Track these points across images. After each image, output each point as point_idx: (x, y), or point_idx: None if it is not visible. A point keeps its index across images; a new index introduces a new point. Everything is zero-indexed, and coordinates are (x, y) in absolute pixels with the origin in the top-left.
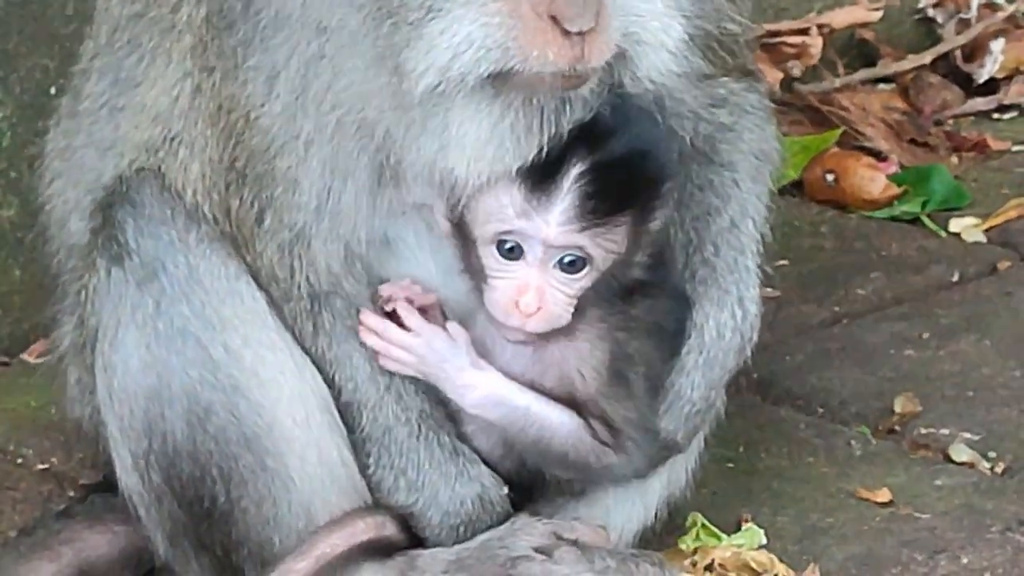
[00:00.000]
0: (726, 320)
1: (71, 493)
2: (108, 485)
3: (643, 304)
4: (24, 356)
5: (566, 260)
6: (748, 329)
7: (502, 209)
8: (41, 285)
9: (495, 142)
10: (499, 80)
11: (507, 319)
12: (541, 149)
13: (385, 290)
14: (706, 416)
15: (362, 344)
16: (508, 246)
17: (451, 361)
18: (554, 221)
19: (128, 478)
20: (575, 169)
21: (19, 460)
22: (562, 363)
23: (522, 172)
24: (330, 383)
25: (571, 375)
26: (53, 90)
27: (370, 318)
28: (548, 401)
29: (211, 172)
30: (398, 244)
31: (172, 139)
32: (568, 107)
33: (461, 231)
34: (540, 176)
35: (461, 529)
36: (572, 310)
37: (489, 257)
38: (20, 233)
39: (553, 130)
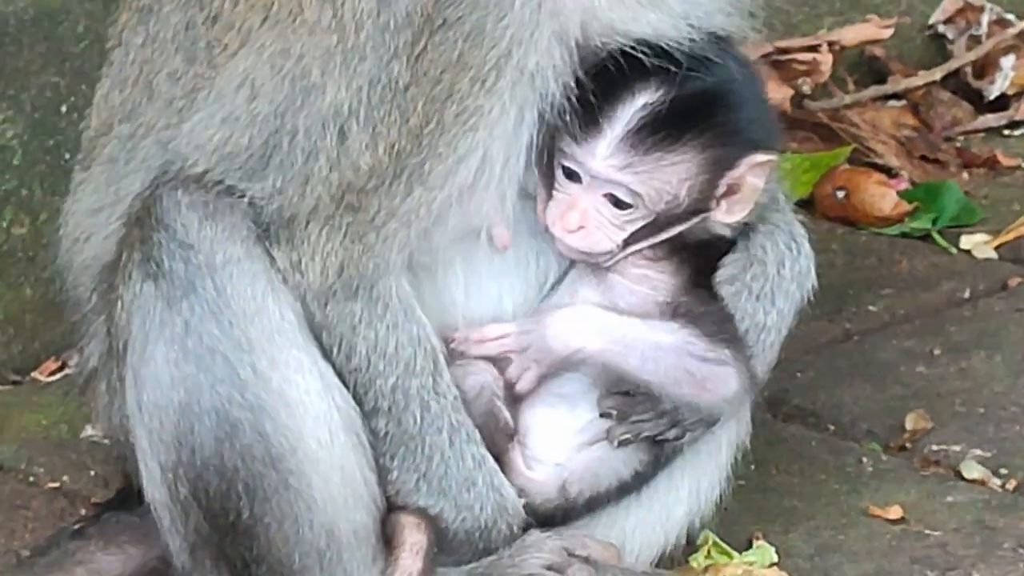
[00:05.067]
0: (783, 250)
1: (83, 511)
2: (121, 503)
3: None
4: (35, 374)
5: (614, 194)
6: (804, 263)
7: (566, 124)
8: (52, 303)
9: None
10: None
11: (553, 228)
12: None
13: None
14: (777, 350)
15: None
16: (567, 170)
17: (539, 321)
18: (599, 154)
19: (156, 490)
20: (629, 103)
21: (31, 479)
22: (646, 286)
23: (583, 98)
24: (357, 391)
25: (658, 294)
26: (64, 108)
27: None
28: (645, 321)
29: (371, 157)
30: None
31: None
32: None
33: (548, 145)
34: (597, 104)
35: (476, 535)
36: (618, 242)
37: (558, 171)
38: (32, 251)
39: None
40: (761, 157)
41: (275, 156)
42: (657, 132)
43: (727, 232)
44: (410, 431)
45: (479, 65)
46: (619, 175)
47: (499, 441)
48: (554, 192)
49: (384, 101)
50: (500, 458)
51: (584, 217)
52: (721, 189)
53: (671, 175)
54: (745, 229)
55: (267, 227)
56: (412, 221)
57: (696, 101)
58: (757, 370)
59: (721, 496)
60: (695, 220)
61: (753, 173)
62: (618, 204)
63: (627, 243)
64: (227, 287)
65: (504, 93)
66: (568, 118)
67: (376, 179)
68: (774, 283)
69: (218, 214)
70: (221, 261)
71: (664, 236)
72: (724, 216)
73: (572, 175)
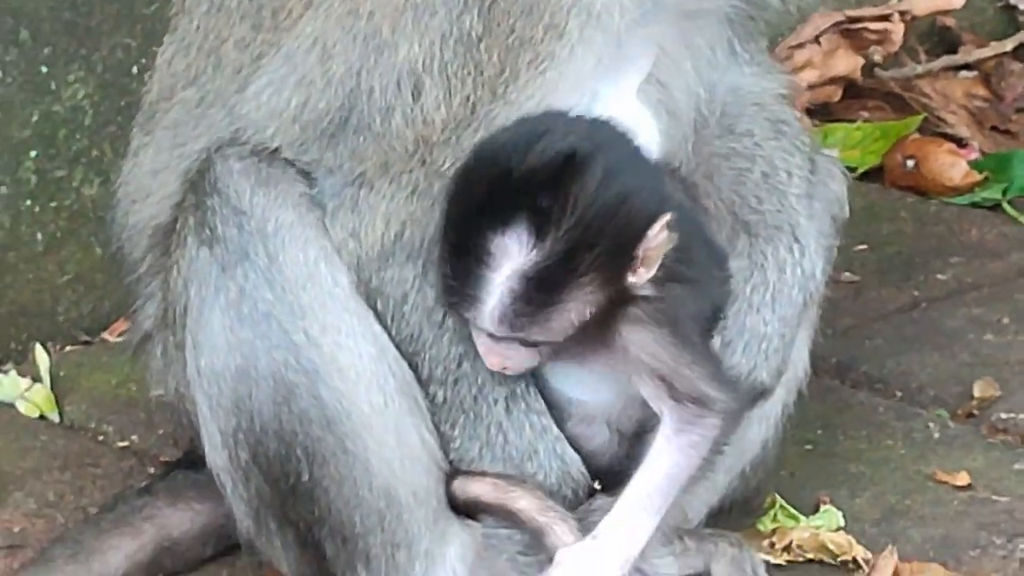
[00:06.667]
0: (784, 255)
1: (151, 470)
2: (189, 462)
3: (671, 292)
4: (105, 335)
5: (520, 340)
6: (808, 264)
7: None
8: (122, 263)
9: None
10: None
11: (487, 364)
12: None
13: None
14: (786, 355)
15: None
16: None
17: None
18: (487, 322)
19: (216, 455)
20: (498, 271)
21: (100, 437)
22: (627, 350)
23: (453, 266)
24: (412, 358)
25: (638, 358)
26: (135, 69)
27: None
28: (644, 475)
29: (445, 110)
30: None
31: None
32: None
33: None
34: (466, 272)
35: None
36: (546, 358)
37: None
38: (102, 212)
39: None
40: (655, 229)
41: (352, 117)
42: (537, 293)
43: (649, 291)
44: (467, 400)
45: (551, 11)
46: (515, 334)
47: None
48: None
49: (457, 55)
50: None
51: (503, 359)
52: (628, 280)
53: (570, 311)
54: (747, 237)
55: (324, 196)
56: None
57: (568, 242)
58: (764, 377)
59: (775, 436)
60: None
61: (654, 240)
62: (527, 344)
63: (556, 353)
64: (279, 253)
65: (574, 36)
66: (443, 286)
67: (449, 131)
68: (774, 290)
69: (271, 180)
70: (273, 227)
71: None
72: (640, 278)
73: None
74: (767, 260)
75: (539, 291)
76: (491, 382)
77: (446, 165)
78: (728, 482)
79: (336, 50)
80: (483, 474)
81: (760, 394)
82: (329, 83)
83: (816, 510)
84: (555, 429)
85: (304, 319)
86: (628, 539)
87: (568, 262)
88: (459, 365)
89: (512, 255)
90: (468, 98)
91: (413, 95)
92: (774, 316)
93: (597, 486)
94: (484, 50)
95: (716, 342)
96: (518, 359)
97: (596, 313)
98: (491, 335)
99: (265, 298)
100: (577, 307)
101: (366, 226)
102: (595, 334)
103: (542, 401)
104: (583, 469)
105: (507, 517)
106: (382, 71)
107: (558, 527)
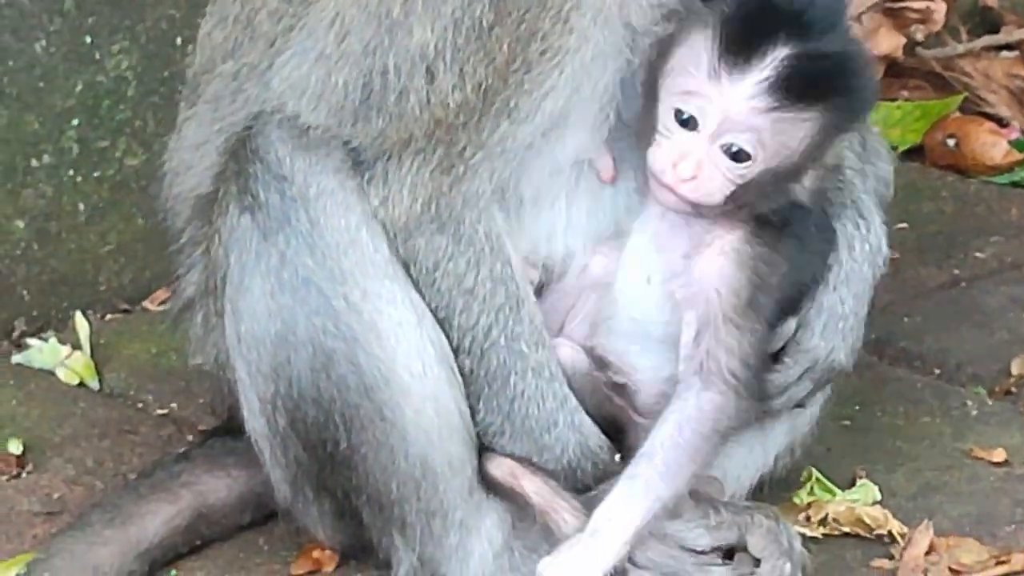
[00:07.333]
0: (852, 232)
1: (190, 438)
2: (227, 430)
3: (788, 239)
4: (146, 304)
5: (733, 148)
6: (875, 239)
7: (696, 61)
8: (164, 234)
9: None
10: None
11: (662, 175)
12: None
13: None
14: (860, 332)
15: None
16: (684, 116)
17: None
18: (743, 93)
19: (255, 421)
20: (782, 47)
21: (139, 405)
22: (703, 279)
23: (725, 29)
24: (443, 327)
25: (707, 292)
26: (179, 40)
27: None
28: (651, 456)
29: (470, 79)
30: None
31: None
32: None
33: (649, 85)
34: (743, 41)
35: (562, 476)
36: (727, 196)
37: (666, 116)
38: (144, 182)
39: None
40: None
41: (371, 97)
42: (804, 85)
43: (805, 197)
44: (492, 370)
45: (559, 4)
46: (757, 120)
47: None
48: (658, 137)
49: (470, 41)
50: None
51: (699, 167)
52: (823, 155)
53: (800, 131)
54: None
55: (358, 166)
56: (499, 153)
57: (838, 61)
58: (842, 357)
59: (821, 414)
60: (790, 183)
61: None
62: (735, 156)
63: (730, 199)
64: (320, 219)
65: (586, 30)
66: (701, 51)
67: (465, 115)
68: (848, 268)
69: (311, 146)
70: (315, 193)
71: (762, 197)
72: (810, 181)
73: (687, 122)
74: (836, 237)
75: (804, 84)
76: (516, 347)
77: (467, 151)
78: (776, 458)
79: (353, 27)
80: (502, 456)
81: (837, 374)
82: (346, 60)
83: (852, 484)
84: (574, 400)
85: (344, 285)
86: (621, 526)
87: (829, 77)
88: (487, 336)
89: (794, 40)
90: (480, 85)
91: (427, 78)
92: (849, 294)
93: (618, 458)
94: (495, 38)
95: (792, 325)
96: (708, 175)
97: (785, 175)
98: (718, 123)
99: (306, 264)
100: (804, 132)
101: (394, 196)
102: (738, 216)
103: (562, 373)
104: (602, 442)
105: (521, 503)
106: (396, 51)
107: (562, 519)
